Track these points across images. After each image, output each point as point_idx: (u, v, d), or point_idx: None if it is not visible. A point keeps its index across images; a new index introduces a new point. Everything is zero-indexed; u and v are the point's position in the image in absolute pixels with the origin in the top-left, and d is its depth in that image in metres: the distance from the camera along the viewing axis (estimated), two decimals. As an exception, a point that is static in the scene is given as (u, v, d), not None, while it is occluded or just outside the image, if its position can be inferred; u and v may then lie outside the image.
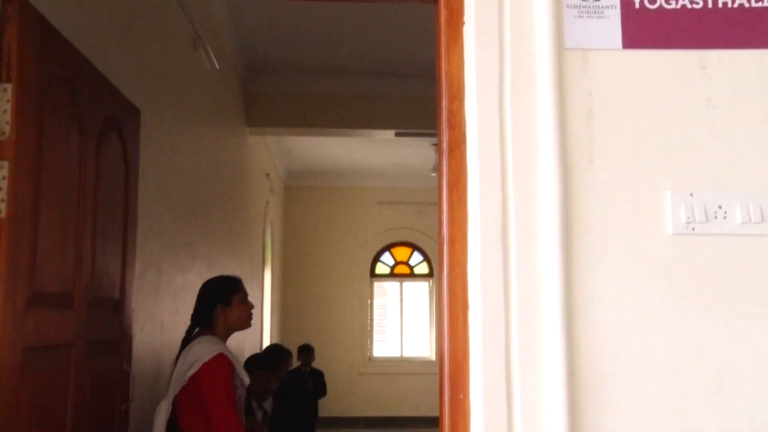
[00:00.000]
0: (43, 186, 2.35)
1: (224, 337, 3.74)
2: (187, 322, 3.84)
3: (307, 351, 8.50)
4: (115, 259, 3.08)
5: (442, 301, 2.02)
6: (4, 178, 2.13)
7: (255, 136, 8.77)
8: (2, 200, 2.12)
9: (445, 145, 2.05)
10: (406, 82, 8.18)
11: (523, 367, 1.85)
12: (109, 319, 3.04)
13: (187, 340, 3.76)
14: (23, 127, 2.21)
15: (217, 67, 5.96)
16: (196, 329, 3.78)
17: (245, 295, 3.82)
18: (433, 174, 11.37)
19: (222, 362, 3.51)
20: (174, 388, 3.53)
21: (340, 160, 12.16)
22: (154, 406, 3.73)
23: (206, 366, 3.44)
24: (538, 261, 1.89)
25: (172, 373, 3.66)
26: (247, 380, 3.77)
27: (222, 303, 3.69)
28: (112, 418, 3.05)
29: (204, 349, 3.52)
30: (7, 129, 2.15)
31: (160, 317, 4.49)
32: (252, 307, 3.85)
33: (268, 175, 10.23)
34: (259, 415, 4.76)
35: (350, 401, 11.21)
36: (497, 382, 1.86)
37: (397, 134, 8.62)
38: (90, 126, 2.76)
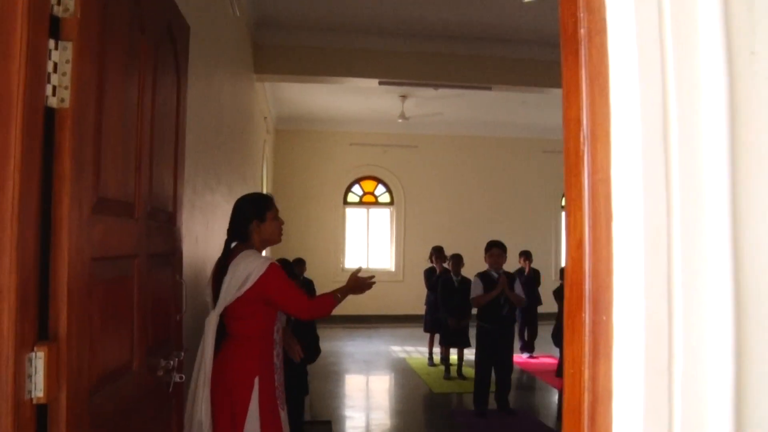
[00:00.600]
0: (106, 77, 1.63)
1: (260, 251, 3.15)
2: (217, 237, 3.20)
3: (300, 263, 8.04)
4: (167, 172, 2.36)
5: (577, 212, 1.37)
6: (68, 61, 1.39)
7: (258, 82, 8.04)
8: (66, 87, 1.39)
9: (583, 31, 1.36)
10: (390, 38, 7.57)
11: (685, 289, 1.22)
12: (164, 231, 2.33)
13: (227, 253, 3.14)
14: (88, 7, 1.46)
15: (238, 14, 5.16)
16: (233, 243, 3.16)
17: (277, 211, 3.19)
18: (400, 120, 10.76)
19: (277, 268, 3.00)
20: (226, 300, 2.94)
21: (321, 108, 11.62)
22: (196, 314, 3.07)
23: (265, 277, 2.91)
24: (700, 164, 1.25)
25: (213, 286, 3.05)
26: None
27: (257, 218, 3.08)
28: (169, 328, 2.37)
29: (253, 263, 2.95)
30: (72, 5, 1.41)
31: (195, 232, 3.78)
32: (282, 223, 3.22)
33: (265, 118, 9.49)
34: (283, 319, 4.11)
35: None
36: (654, 303, 1.22)
37: (380, 83, 7.96)
38: (150, 27, 2.02)
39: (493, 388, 6.25)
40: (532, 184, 13.58)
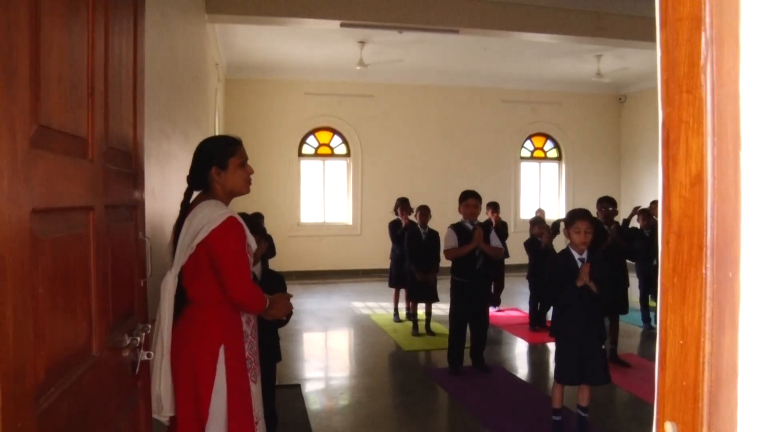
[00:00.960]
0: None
1: (225, 202, 2.70)
2: (174, 190, 2.75)
3: (259, 218, 7.63)
4: (125, 106, 1.89)
5: (692, 138, 1.00)
6: None
7: (209, 24, 7.39)
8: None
9: None
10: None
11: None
12: (124, 178, 1.87)
13: (186, 204, 2.72)
14: None
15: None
16: (196, 195, 2.75)
17: (244, 159, 2.75)
18: (358, 68, 10.25)
19: (234, 225, 2.55)
20: (180, 258, 2.55)
21: (274, 55, 10.98)
22: (158, 280, 2.64)
23: (217, 230, 2.49)
24: None
25: (174, 243, 2.62)
26: (254, 246, 2.76)
27: (218, 165, 2.66)
28: (133, 297, 1.94)
29: (211, 214, 2.53)
30: None
31: (151, 184, 3.30)
32: (251, 172, 2.79)
33: (217, 65, 8.85)
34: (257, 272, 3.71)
35: (283, 259, 10.36)
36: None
37: (342, 25, 7.40)
38: None
39: (466, 344, 6.01)
40: (492, 135, 13.30)
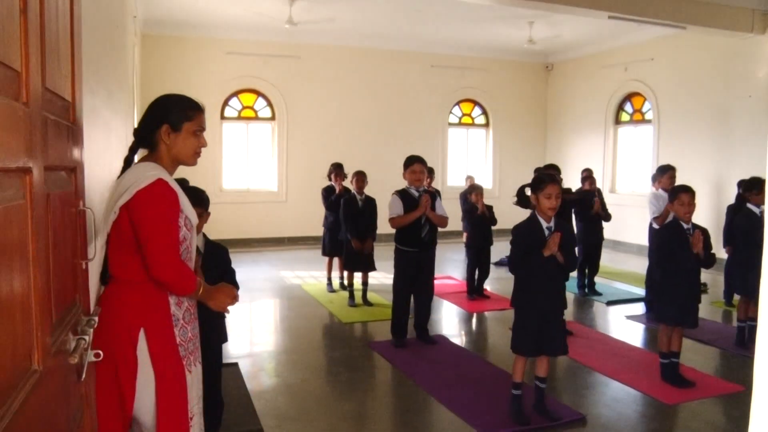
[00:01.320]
0: None
1: (169, 168, 2.34)
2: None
3: (184, 183, 7.08)
4: (63, 44, 1.46)
5: None
6: None
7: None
8: None
9: None
10: None
11: None
12: (64, 132, 1.45)
13: (130, 161, 2.39)
14: None
15: None
16: (140, 159, 2.38)
17: (201, 128, 2.39)
18: (287, 26, 9.72)
19: (163, 189, 2.19)
20: (104, 225, 2.22)
21: (194, 11, 10.23)
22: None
23: (143, 192, 2.16)
24: None
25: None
26: (195, 219, 2.40)
27: (171, 125, 2.30)
28: (76, 284, 1.53)
29: (141, 174, 2.19)
30: None
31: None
32: (204, 145, 2.41)
33: (134, 17, 8.09)
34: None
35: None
36: None
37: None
38: None
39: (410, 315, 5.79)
40: (421, 100, 13.04)
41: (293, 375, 4.89)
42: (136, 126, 2.38)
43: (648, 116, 11.83)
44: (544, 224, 3.90)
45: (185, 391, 2.28)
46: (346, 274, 7.54)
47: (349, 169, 7.68)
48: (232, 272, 3.59)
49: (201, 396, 2.42)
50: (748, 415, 3.78)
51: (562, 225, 3.97)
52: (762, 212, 5.73)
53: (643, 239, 11.00)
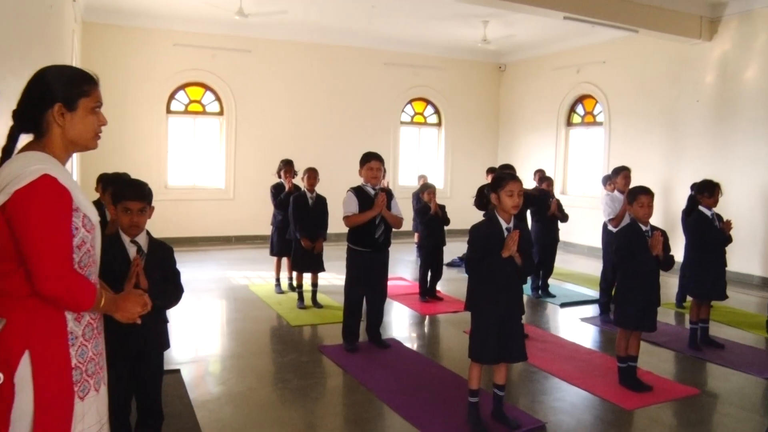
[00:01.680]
0: None
1: (62, 156, 1.95)
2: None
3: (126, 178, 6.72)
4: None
5: None
6: None
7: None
8: None
9: None
10: None
11: None
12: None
13: (10, 150, 1.94)
14: None
15: None
16: (24, 147, 1.94)
17: (99, 103, 2.00)
18: (237, 17, 9.41)
19: (48, 187, 1.80)
20: None
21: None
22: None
23: (23, 192, 1.76)
24: None
25: None
26: (95, 218, 1.99)
27: (64, 104, 1.90)
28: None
29: (21, 169, 1.79)
30: None
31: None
32: (104, 122, 2.02)
33: (74, 1, 7.65)
34: (133, 251, 2.99)
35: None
36: None
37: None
38: None
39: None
40: (373, 98, 12.85)
41: (239, 382, 4.60)
42: (16, 107, 1.94)
43: (599, 119, 11.90)
44: (504, 224, 3.73)
45: (69, 423, 1.90)
46: (295, 274, 7.26)
47: (300, 167, 7.42)
48: (177, 273, 3.29)
49: (104, 422, 2.07)
50: (705, 419, 3.66)
51: (520, 227, 3.81)
52: (714, 215, 5.72)
53: (593, 241, 11.05)
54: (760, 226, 8.81)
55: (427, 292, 7.50)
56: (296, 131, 12.06)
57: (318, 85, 12.31)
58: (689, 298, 6.62)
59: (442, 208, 7.48)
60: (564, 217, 7.73)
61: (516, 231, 3.62)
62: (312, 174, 6.90)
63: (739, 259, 5.84)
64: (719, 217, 5.76)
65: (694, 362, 5.45)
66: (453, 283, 8.45)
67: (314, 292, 7.01)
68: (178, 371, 4.68)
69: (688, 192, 6.08)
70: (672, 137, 10.24)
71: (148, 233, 3.16)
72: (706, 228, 5.65)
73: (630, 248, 4.53)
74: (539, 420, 4.04)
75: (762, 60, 8.96)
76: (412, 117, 13.73)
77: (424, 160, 13.77)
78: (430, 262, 7.50)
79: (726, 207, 5.70)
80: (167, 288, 3.05)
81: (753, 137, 9.02)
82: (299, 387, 4.55)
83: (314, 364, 5.06)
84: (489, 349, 3.77)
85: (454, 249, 9.29)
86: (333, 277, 8.07)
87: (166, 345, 3.31)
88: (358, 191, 5.30)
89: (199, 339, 5.78)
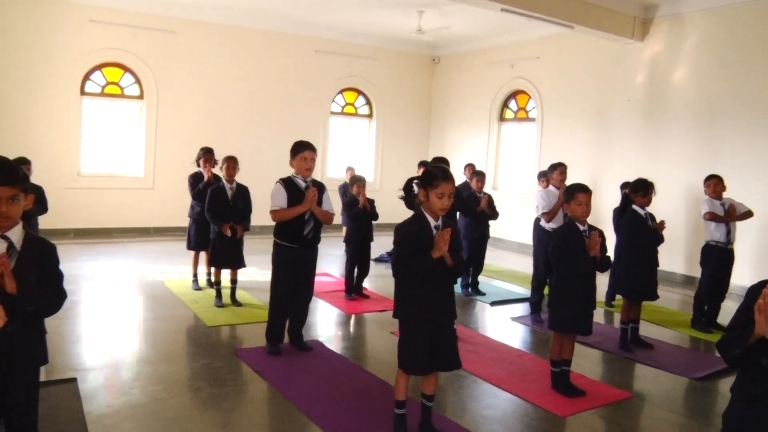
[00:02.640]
0: None
1: None
2: None
3: (25, 163, 6.15)
4: None
5: None
6: None
7: None
8: None
9: None
10: None
11: None
12: None
13: None
14: None
15: None
16: None
17: None
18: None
19: None
20: None
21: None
22: None
23: None
24: None
25: None
26: None
27: None
28: None
29: None
30: None
31: None
32: None
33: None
34: (2, 247, 2.49)
35: (57, 215, 8.68)
36: None
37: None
38: None
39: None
40: (303, 86, 12.40)
41: (144, 392, 4.14)
42: None
43: (532, 114, 11.84)
44: (432, 222, 3.42)
45: None
46: (213, 270, 6.79)
47: (223, 156, 6.95)
48: (58, 276, 2.71)
49: None
50: (638, 424, 3.47)
51: (450, 224, 3.51)
52: (647, 214, 5.62)
53: (524, 237, 10.96)
54: (682, 226, 8.89)
55: (353, 289, 7.19)
56: (221, 118, 11.50)
57: (244, 70, 11.76)
58: (618, 297, 6.56)
59: (371, 202, 7.16)
60: (494, 215, 7.55)
61: (448, 229, 3.32)
62: (231, 163, 6.45)
63: (663, 257, 5.78)
64: (652, 217, 5.67)
65: (625, 363, 5.35)
66: (380, 280, 8.17)
67: (233, 289, 6.57)
68: (74, 380, 4.18)
69: (616, 190, 5.99)
70: (602, 135, 10.25)
71: (24, 228, 2.61)
72: (640, 227, 5.55)
73: (567, 248, 4.33)
74: (469, 431, 3.78)
75: (690, 62, 9.04)
76: (343, 107, 13.36)
77: (354, 152, 13.43)
78: (357, 257, 7.18)
79: (651, 206, 5.64)
80: (45, 292, 2.55)
81: (679, 138, 9.10)
82: (211, 396, 4.13)
83: (229, 370, 4.65)
84: (420, 359, 3.47)
85: (383, 244, 9.01)
86: (255, 272, 7.66)
87: (41, 360, 2.78)
88: (287, 183, 4.90)
89: (102, 342, 5.24)
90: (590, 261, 4.29)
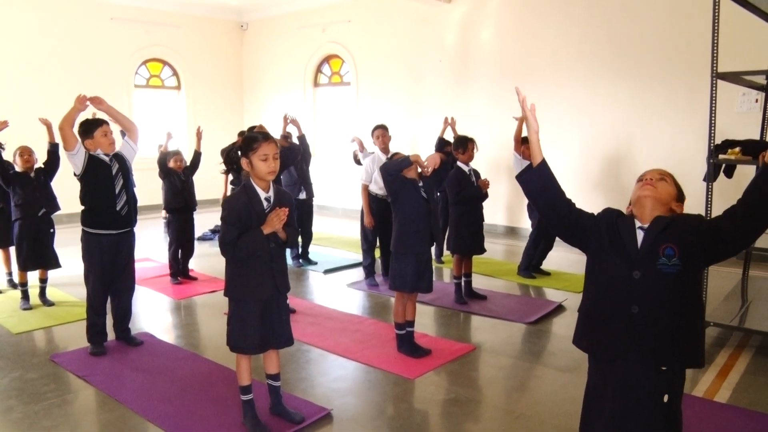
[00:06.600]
0: None
1: None
2: None
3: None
4: None
5: None
6: None
7: None
8: None
9: None
10: None
11: None
12: None
13: None
14: None
15: None
16: None
17: None
18: None
19: None
20: None
21: None
22: None
23: None
24: None
25: None
26: None
27: None
28: None
29: None
30: None
31: None
32: None
33: None
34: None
35: None
36: None
37: None
38: None
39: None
40: (100, 57, 11.28)
41: (-60, 421, 3.52)
42: None
43: (347, 78, 11.76)
44: (262, 194, 3.17)
45: None
46: (20, 273, 5.93)
47: (14, 140, 6.08)
48: None
49: None
50: (485, 374, 3.51)
51: (285, 198, 3.29)
52: (471, 171, 5.76)
53: (348, 203, 10.97)
54: (501, 181, 9.34)
55: (179, 272, 6.72)
56: (9, 95, 10.15)
57: (33, 42, 10.44)
58: (447, 253, 6.73)
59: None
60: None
61: (285, 209, 3.09)
62: (24, 151, 5.70)
63: (486, 211, 5.98)
64: (477, 174, 5.82)
65: (463, 317, 5.49)
66: (206, 260, 7.74)
67: (43, 288, 5.85)
68: None
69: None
70: (417, 95, 10.45)
71: None
72: (464, 184, 5.67)
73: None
74: (323, 408, 3.62)
75: (494, 23, 9.42)
76: (148, 80, 12.39)
77: (166, 126, 12.54)
78: (181, 238, 6.70)
79: (474, 162, 5.83)
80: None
81: (489, 95, 9.50)
82: (27, 415, 3.58)
83: (47, 380, 4.09)
84: (251, 337, 3.22)
85: (204, 221, 8.54)
86: (65, 264, 6.89)
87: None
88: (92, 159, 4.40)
89: None
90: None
